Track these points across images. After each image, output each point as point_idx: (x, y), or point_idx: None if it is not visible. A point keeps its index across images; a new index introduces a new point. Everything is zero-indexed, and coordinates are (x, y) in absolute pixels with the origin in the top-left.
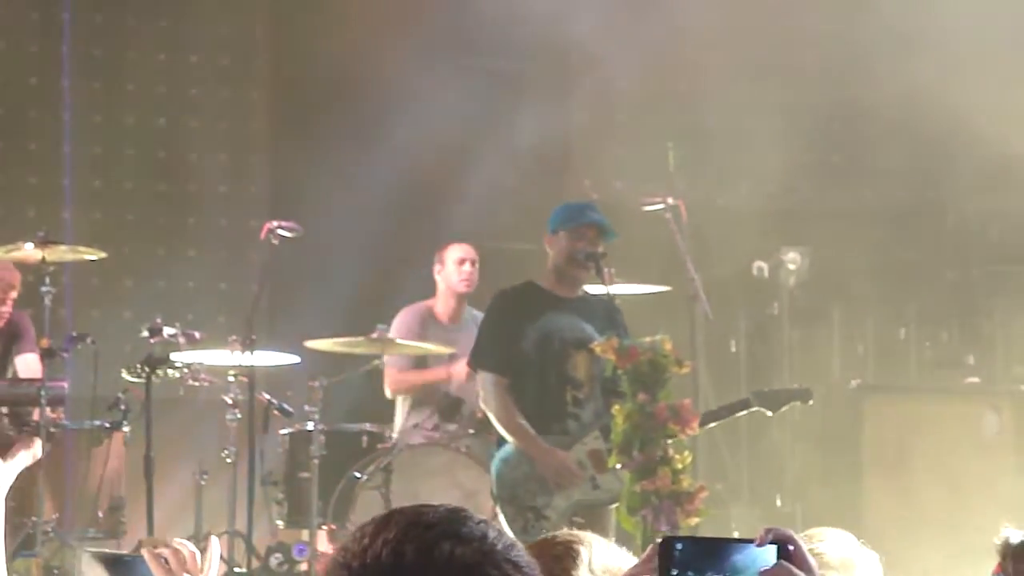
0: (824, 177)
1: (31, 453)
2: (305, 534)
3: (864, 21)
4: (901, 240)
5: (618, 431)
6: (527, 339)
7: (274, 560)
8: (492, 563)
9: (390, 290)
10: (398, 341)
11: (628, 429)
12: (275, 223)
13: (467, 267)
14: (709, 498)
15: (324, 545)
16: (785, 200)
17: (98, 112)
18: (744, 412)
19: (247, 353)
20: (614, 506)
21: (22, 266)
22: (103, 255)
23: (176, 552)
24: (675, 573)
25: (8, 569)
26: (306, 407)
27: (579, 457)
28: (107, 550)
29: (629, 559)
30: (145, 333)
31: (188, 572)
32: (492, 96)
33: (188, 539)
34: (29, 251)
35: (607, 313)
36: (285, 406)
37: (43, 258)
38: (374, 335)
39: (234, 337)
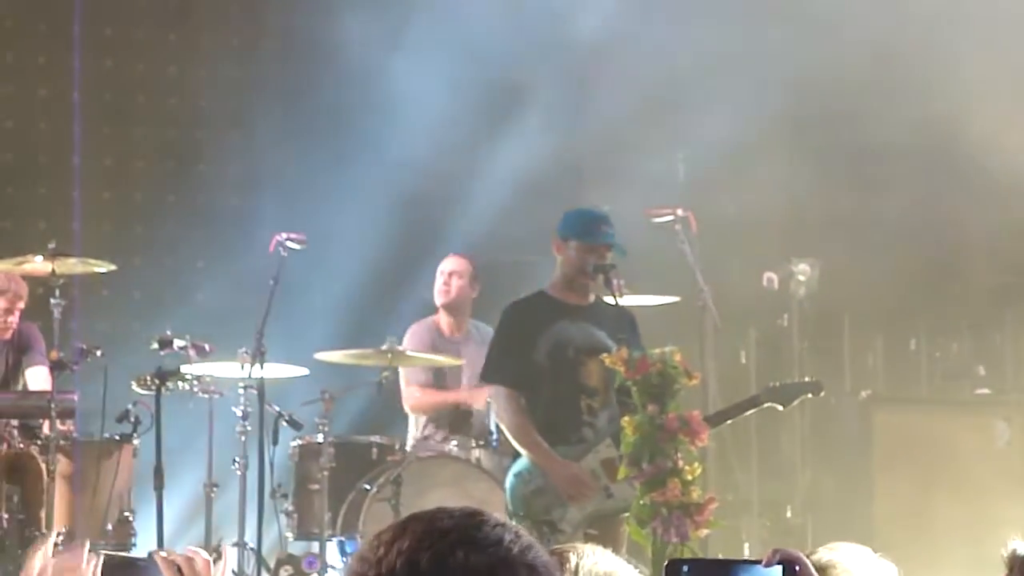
0: (834, 188)
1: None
2: (315, 546)
3: (876, 36)
4: (911, 251)
5: (628, 442)
6: (539, 349)
7: (284, 572)
8: (507, 568)
9: (398, 302)
10: (408, 353)
11: (638, 440)
12: (284, 235)
13: (449, 279)
14: (719, 510)
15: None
16: (795, 211)
17: (108, 124)
18: (755, 409)
19: (256, 365)
20: (627, 516)
21: (32, 278)
22: (113, 267)
23: (190, 560)
24: None
25: None
26: (316, 419)
27: (592, 466)
28: (121, 553)
29: (629, 569)
30: (155, 345)
31: None
32: (501, 108)
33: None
34: (39, 263)
35: (621, 319)
36: (295, 418)
37: (53, 270)
38: (383, 347)
39: (243, 349)
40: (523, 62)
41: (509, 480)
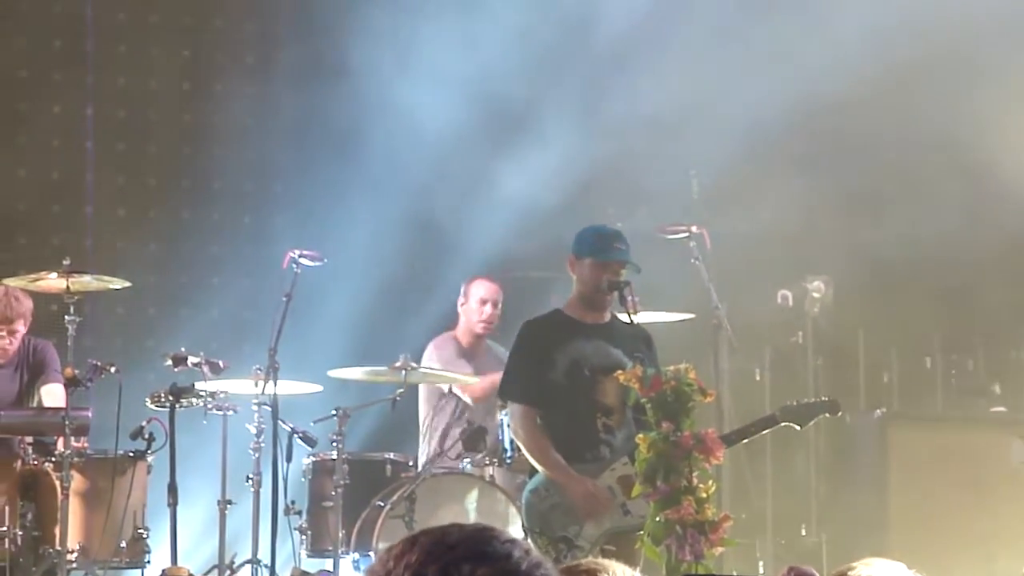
0: (848, 205)
1: None
2: (329, 563)
3: (891, 54)
4: (926, 269)
5: (642, 460)
6: (556, 368)
7: None
8: None
9: (412, 318)
10: (422, 370)
11: (652, 458)
12: (297, 252)
13: (488, 308)
14: (734, 528)
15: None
16: (809, 229)
17: (121, 140)
18: (771, 428)
19: (270, 382)
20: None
21: (46, 295)
22: (127, 284)
23: None
24: None
25: None
26: (329, 435)
27: (609, 483)
28: None
29: None
30: (169, 362)
31: None
32: (514, 125)
33: (212, 568)
34: (53, 280)
35: (637, 337)
36: (308, 434)
37: (67, 287)
38: (397, 364)
39: (257, 366)
40: (535, 80)
41: (525, 496)
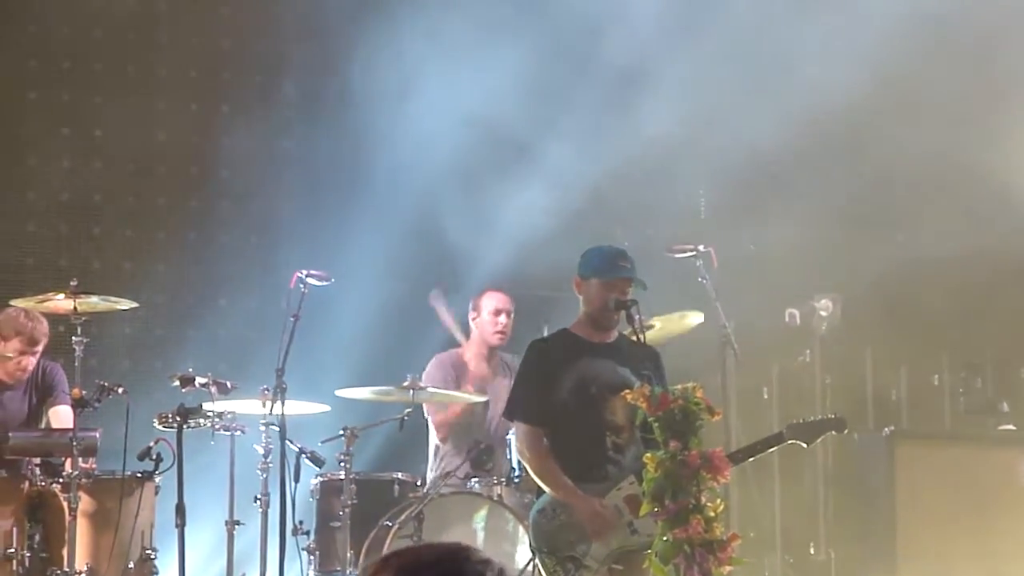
0: (856, 224)
1: None
2: None
3: (898, 69)
4: (934, 287)
5: (650, 479)
6: (563, 387)
7: None
8: None
9: (419, 338)
10: (430, 389)
11: (660, 477)
12: (305, 272)
13: (503, 318)
14: (742, 546)
15: None
16: (817, 247)
17: (130, 162)
18: (779, 446)
19: (278, 402)
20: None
21: (54, 316)
22: (135, 305)
23: None
24: None
25: None
26: (337, 455)
27: (615, 502)
28: None
29: None
30: (176, 383)
31: None
32: (521, 144)
33: None
34: (61, 301)
35: (645, 356)
36: (316, 454)
37: (75, 308)
38: (405, 383)
39: (265, 386)
40: (541, 99)
41: (532, 516)
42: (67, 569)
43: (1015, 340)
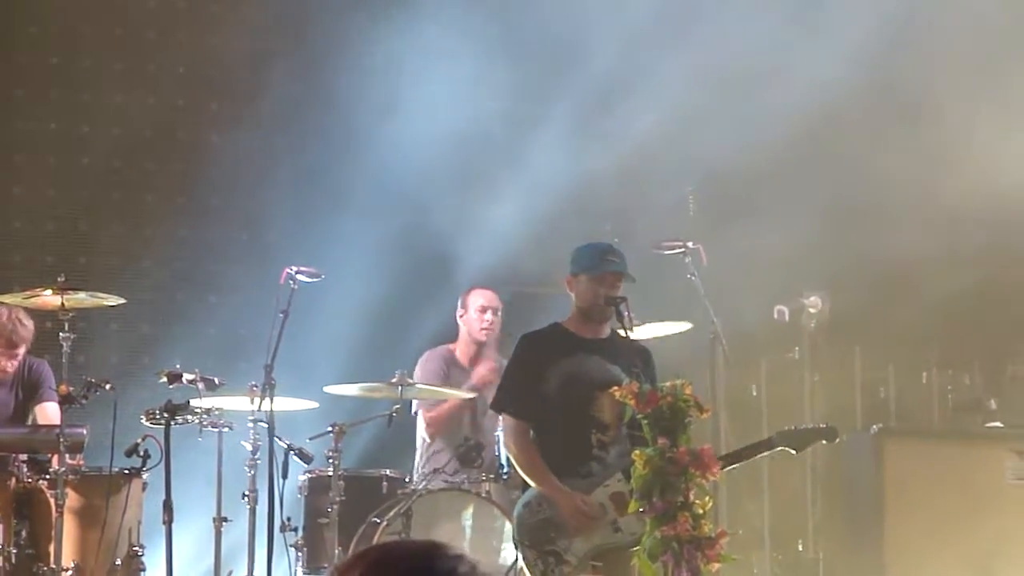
0: (845, 221)
1: None
2: None
3: (890, 69)
4: (922, 284)
5: (638, 476)
6: (551, 382)
7: None
8: None
9: (408, 335)
10: (419, 385)
11: (648, 475)
12: (294, 268)
13: (489, 315)
14: (730, 544)
15: None
16: (806, 244)
17: (117, 158)
18: (768, 452)
19: (266, 398)
20: (635, 550)
21: (41, 312)
22: (122, 301)
23: None
24: None
25: None
26: (325, 452)
27: (601, 500)
28: None
29: None
30: (164, 379)
31: None
32: (510, 141)
33: None
34: (48, 297)
35: (635, 353)
36: (304, 451)
37: (62, 304)
38: (393, 379)
39: (253, 382)
40: (531, 97)
41: (517, 510)
42: (54, 566)
43: (1003, 338)
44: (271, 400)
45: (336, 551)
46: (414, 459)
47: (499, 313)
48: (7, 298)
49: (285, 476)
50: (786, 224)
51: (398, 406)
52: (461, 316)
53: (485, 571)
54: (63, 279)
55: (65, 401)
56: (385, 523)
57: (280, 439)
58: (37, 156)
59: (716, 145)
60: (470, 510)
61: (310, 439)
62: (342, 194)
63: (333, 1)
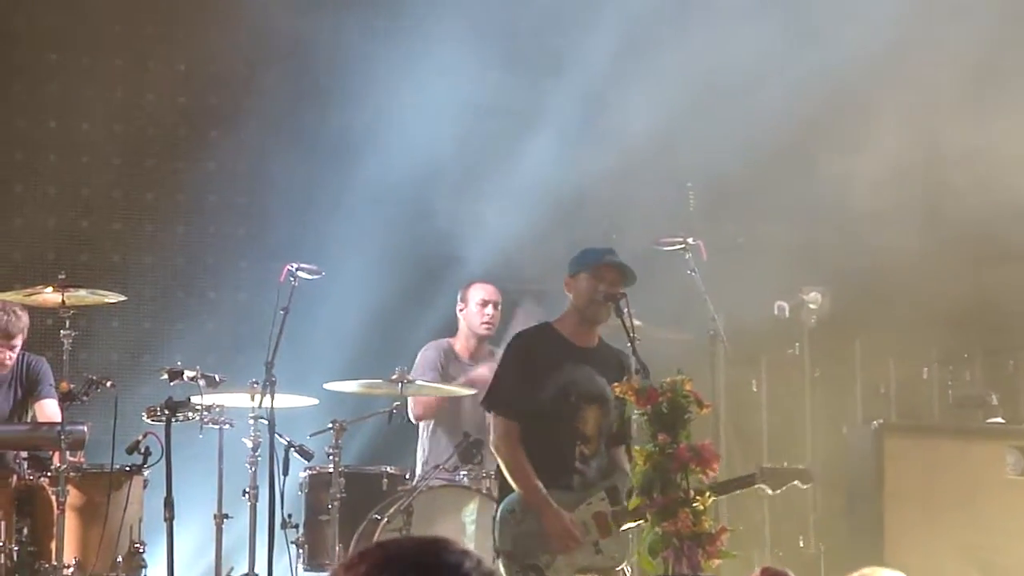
0: (844, 216)
1: None
2: None
3: (889, 60)
4: (923, 279)
5: (638, 472)
6: (545, 390)
7: None
8: None
9: (408, 331)
10: (419, 382)
11: (648, 470)
12: (295, 265)
13: (489, 309)
14: (731, 539)
15: None
16: (805, 239)
17: (117, 156)
18: (747, 488)
19: (267, 395)
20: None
21: (42, 309)
22: (123, 298)
23: None
24: None
25: None
26: (326, 449)
27: (583, 518)
28: None
29: None
30: (165, 376)
31: None
32: (509, 138)
33: None
34: (49, 294)
35: (619, 364)
36: (305, 448)
37: (63, 301)
38: (393, 376)
39: (254, 379)
40: (529, 95)
41: (500, 514)
42: (55, 563)
43: (1003, 333)
44: (272, 397)
45: (337, 548)
46: (416, 455)
47: (499, 307)
48: (8, 295)
49: (286, 473)
50: (786, 220)
51: (398, 403)
52: (461, 310)
53: (489, 568)
54: (64, 276)
55: (66, 398)
56: (386, 520)
57: (281, 436)
58: (38, 154)
59: (715, 142)
60: (471, 506)
61: (311, 436)
62: (342, 192)
63: None
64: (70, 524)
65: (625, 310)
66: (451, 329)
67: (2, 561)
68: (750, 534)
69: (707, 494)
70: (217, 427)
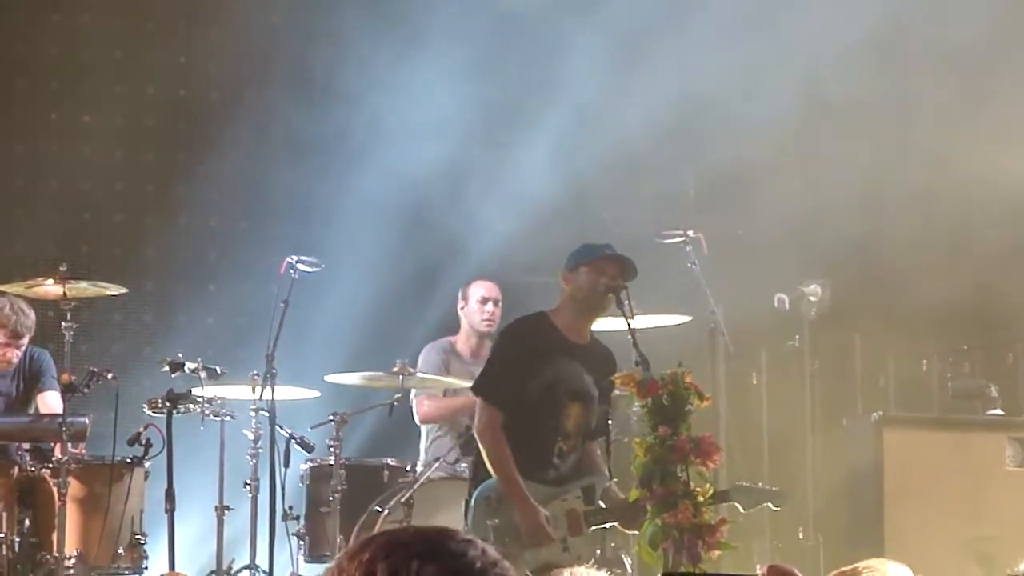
0: (845, 209)
1: None
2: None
3: (894, 54)
4: (923, 272)
5: (639, 464)
6: (533, 381)
7: None
8: None
9: (409, 324)
10: (419, 375)
11: (649, 462)
12: (295, 258)
13: (490, 306)
14: (731, 531)
15: None
16: (805, 232)
17: (119, 148)
18: (720, 503)
19: (267, 387)
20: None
21: (43, 302)
22: (124, 291)
23: None
24: None
25: None
26: (327, 441)
27: (555, 514)
28: None
29: None
30: (166, 368)
31: None
32: (509, 129)
33: (210, 574)
34: (50, 287)
35: (607, 363)
36: (306, 440)
37: (64, 294)
38: (394, 369)
39: (255, 372)
40: (531, 84)
41: (474, 500)
42: (57, 554)
43: (1003, 325)
44: (272, 389)
45: (338, 540)
46: (416, 449)
47: (500, 304)
48: (9, 287)
49: (287, 465)
50: (786, 212)
51: (399, 395)
52: (462, 308)
53: (494, 556)
54: (65, 269)
55: (67, 390)
56: (387, 512)
57: (282, 428)
58: (38, 146)
59: (716, 132)
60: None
61: (311, 428)
62: (343, 184)
63: None
64: (71, 515)
65: (626, 302)
66: (453, 321)
67: (4, 552)
68: (750, 525)
69: (707, 485)
70: (218, 419)
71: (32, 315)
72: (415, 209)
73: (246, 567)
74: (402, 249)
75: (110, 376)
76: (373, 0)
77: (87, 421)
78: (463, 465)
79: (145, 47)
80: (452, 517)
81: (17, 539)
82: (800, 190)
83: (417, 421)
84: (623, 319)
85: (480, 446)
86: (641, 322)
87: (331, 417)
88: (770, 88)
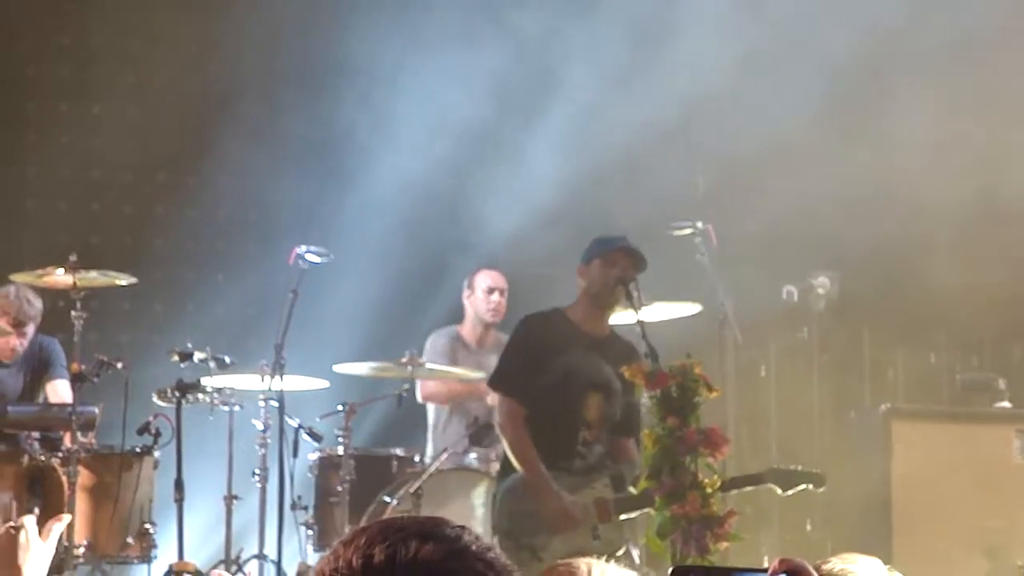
0: (853, 201)
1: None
2: None
3: (900, 51)
4: (931, 264)
5: (647, 455)
6: (551, 374)
7: None
8: (460, 559)
9: (418, 314)
10: (428, 365)
11: (657, 453)
12: (303, 248)
13: (496, 296)
14: (739, 523)
15: None
16: (814, 224)
17: (129, 138)
18: (756, 486)
19: (276, 377)
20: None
21: (53, 291)
22: (133, 280)
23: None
24: None
25: None
26: (336, 431)
27: (585, 502)
28: None
29: None
30: (175, 358)
31: None
32: (519, 121)
33: (218, 563)
34: (60, 276)
35: (629, 355)
36: (315, 430)
37: (74, 283)
38: (403, 359)
39: (263, 361)
40: (540, 77)
41: (501, 494)
42: (66, 543)
43: (1012, 318)
44: (281, 379)
45: (346, 530)
46: (424, 439)
47: (506, 294)
48: (19, 277)
49: (295, 455)
50: (795, 205)
51: (407, 386)
52: (468, 297)
53: (487, 543)
54: (75, 258)
55: (77, 379)
56: (395, 502)
57: (290, 418)
58: (49, 137)
59: (725, 126)
60: (480, 489)
61: (320, 418)
62: (351, 175)
63: None
64: (81, 505)
65: (635, 294)
66: (461, 311)
67: None
68: (758, 517)
69: (715, 477)
70: (227, 409)
71: (38, 303)
72: (424, 200)
73: (255, 556)
74: (411, 240)
75: (119, 365)
76: None
77: (96, 410)
78: (472, 456)
79: (154, 38)
80: (461, 508)
81: None
82: (810, 182)
83: (419, 399)
84: (632, 311)
85: (502, 438)
86: (650, 313)
87: (340, 407)
88: (781, 81)
